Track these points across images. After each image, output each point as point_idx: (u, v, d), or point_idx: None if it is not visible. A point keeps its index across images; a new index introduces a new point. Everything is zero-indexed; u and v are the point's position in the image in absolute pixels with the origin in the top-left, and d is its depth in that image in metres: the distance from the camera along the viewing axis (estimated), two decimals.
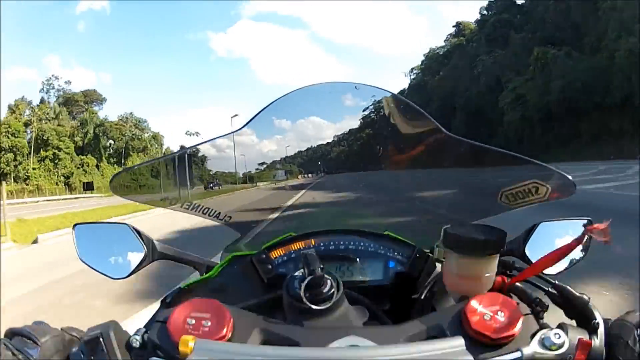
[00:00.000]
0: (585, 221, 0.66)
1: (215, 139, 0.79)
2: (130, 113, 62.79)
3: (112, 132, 57.81)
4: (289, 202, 1.02)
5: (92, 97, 59.14)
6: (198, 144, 0.84)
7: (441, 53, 58.10)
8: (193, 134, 57.81)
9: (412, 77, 62.66)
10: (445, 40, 59.45)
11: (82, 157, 52.72)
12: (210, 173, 1.02)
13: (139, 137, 60.03)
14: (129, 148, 58.88)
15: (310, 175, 1.05)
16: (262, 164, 0.99)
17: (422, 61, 61.17)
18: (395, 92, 0.84)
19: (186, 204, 0.80)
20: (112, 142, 58.58)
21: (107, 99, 61.31)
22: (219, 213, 0.81)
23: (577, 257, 0.64)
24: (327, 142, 0.93)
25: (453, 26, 58.55)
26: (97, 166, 53.69)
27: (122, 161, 57.21)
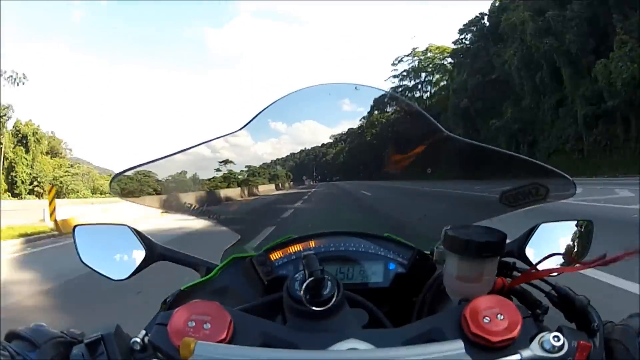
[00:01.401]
0: (586, 223, 0.65)
1: (210, 140, 0.78)
2: None
3: None
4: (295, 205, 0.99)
5: None
6: (194, 146, 0.83)
7: None
8: (18, 81, 36.58)
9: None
10: None
11: None
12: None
13: None
14: None
15: (292, 184, 0.98)
16: (225, 161, 0.88)
17: None
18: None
19: (186, 205, 0.80)
20: None
21: None
22: (219, 215, 0.81)
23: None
24: (323, 144, 0.90)
25: None
26: None
27: None
